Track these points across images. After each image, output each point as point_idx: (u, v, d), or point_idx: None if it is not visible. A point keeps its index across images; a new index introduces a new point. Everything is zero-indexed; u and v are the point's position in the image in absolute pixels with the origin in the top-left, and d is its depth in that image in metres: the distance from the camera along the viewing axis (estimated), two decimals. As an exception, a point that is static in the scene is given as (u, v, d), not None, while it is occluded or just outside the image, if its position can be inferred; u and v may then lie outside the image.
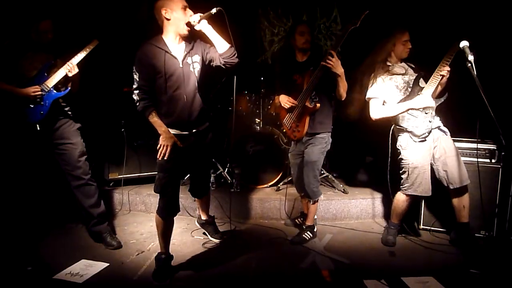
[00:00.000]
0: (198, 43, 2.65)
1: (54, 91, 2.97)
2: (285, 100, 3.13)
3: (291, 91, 3.16)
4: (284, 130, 3.35)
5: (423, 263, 2.89)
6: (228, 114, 4.56)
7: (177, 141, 2.55)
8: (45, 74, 2.95)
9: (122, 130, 4.15)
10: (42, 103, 2.93)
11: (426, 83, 2.91)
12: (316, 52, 3.23)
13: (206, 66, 2.66)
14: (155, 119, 2.51)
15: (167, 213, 2.66)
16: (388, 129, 3.14)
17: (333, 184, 4.21)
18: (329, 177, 4.23)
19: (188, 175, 3.20)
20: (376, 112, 3.04)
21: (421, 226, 3.45)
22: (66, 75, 2.95)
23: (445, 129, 3.02)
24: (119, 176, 4.17)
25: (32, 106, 2.92)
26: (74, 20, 3.88)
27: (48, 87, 2.93)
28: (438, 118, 3.02)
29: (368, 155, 4.52)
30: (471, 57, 2.50)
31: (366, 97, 3.08)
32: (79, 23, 3.92)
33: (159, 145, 2.52)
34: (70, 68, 2.92)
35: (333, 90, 3.00)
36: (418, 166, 2.97)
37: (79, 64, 2.97)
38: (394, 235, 3.21)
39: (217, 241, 3.29)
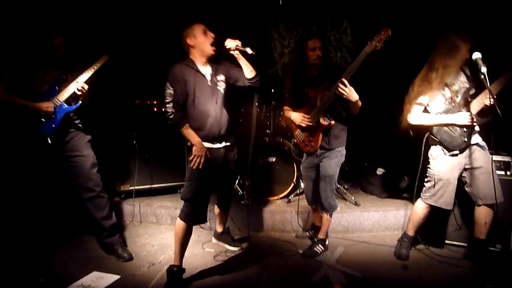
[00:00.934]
0: (222, 64, 2.85)
1: (65, 105, 3.01)
2: (300, 119, 3.12)
3: (302, 104, 3.17)
4: (296, 142, 3.35)
5: (437, 277, 2.84)
6: (239, 125, 4.57)
7: (207, 153, 2.69)
8: (57, 88, 2.99)
9: (134, 142, 4.19)
10: (53, 116, 2.97)
11: (477, 93, 2.78)
12: (328, 64, 3.23)
13: (230, 84, 2.87)
14: (188, 130, 2.68)
15: (194, 219, 2.77)
16: (407, 140, 3.10)
17: (344, 197, 4.17)
18: (341, 189, 4.19)
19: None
20: (415, 118, 2.96)
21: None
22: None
23: (484, 143, 2.89)
24: (131, 188, 4.19)
25: (43, 120, 2.96)
26: (85, 36, 3.96)
27: (59, 101, 2.97)
28: (478, 134, 2.87)
29: (380, 167, 4.48)
30: (484, 69, 2.48)
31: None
32: (90, 38, 4.00)
33: (192, 156, 2.65)
34: (80, 88, 2.96)
35: (346, 109, 3.03)
36: (443, 178, 2.91)
37: (88, 81, 3.00)
38: (407, 248, 3.16)
39: (236, 249, 3.36)
